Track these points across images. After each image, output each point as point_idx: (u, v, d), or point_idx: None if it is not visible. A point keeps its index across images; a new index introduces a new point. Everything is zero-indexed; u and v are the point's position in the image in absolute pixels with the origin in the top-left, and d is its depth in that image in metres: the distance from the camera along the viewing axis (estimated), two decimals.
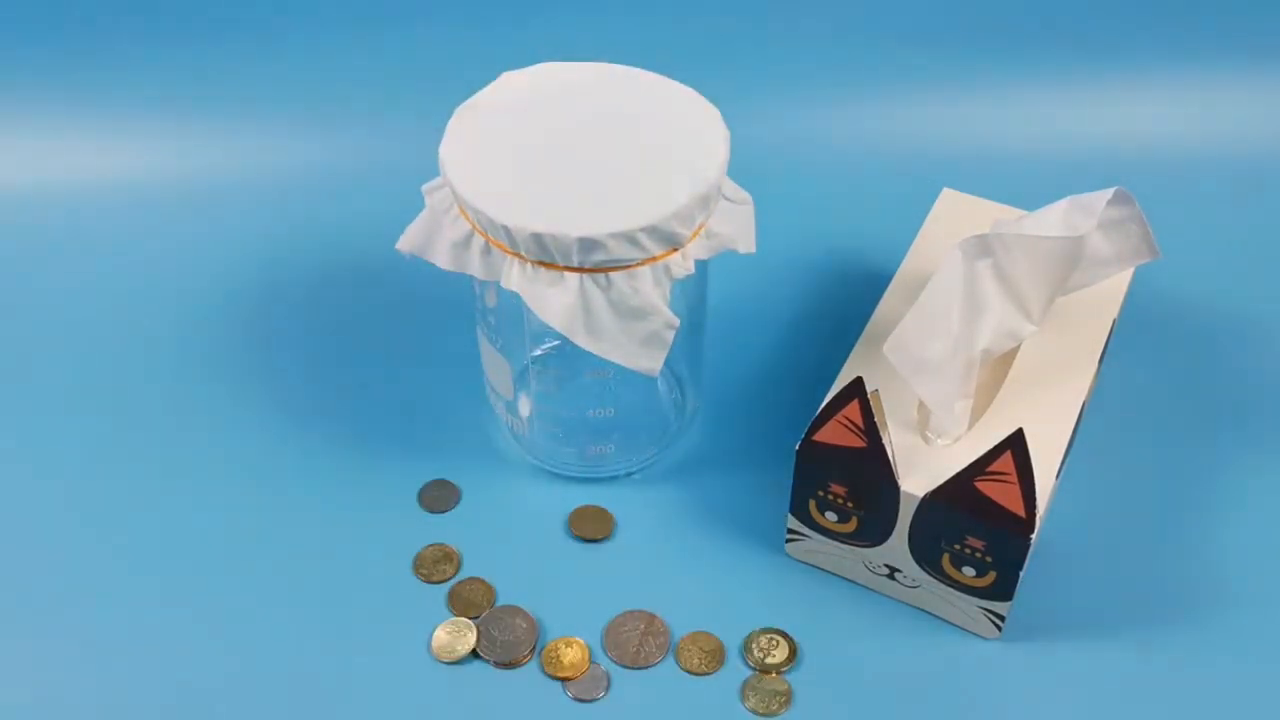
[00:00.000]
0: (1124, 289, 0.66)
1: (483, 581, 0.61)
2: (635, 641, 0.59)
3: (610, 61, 0.60)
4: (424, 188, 0.57)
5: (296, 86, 0.86)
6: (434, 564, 0.62)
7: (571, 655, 0.58)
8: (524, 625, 0.59)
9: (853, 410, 0.55)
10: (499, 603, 0.61)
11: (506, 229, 0.52)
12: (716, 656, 0.59)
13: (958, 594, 0.58)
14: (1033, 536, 0.53)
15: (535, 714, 0.57)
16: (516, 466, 0.67)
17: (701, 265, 0.57)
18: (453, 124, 0.57)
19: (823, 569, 0.62)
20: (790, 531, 0.61)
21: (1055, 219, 0.57)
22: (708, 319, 0.66)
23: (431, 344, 0.73)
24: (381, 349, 0.73)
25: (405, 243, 0.57)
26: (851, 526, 0.59)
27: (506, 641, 0.59)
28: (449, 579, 0.62)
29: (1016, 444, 0.54)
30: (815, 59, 0.87)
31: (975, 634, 0.59)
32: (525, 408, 0.66)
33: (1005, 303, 0.57)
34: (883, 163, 0.85)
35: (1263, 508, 0.64)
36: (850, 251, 0.79)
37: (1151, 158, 0.85)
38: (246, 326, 0.75)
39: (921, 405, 0.58)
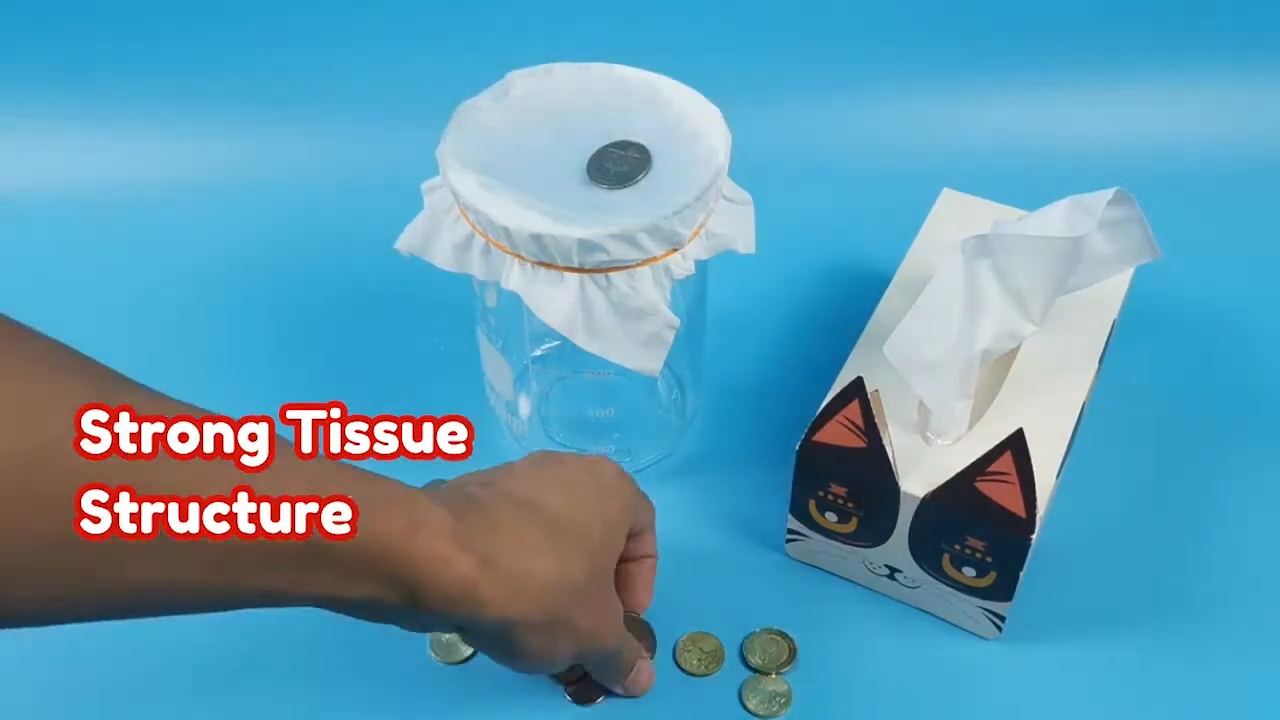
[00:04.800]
0: (1124, 289, 0.66)
1: None
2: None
3: (611, 61, 0.60)
4: (424, 187, 0.57)
5: (297, 86, 0.86)
6: None
7: None
8: None
9: (853, 410, 0.55)
10: None
11: (506, 229, 0.52)
12: (716, 657, 0.59)
13: (958, 594, 0.58)
14: (1033, 536, 0.53)
15: (535, 714, 0.57)
16: None
17: (701, 265, 0.57)
18: (453, 124, 0.57)
19: (823, 569, 0.62)
20: (790, 531, 0.61)
21: (1055, 219, 0.57)
22: (708, 319, 0.66)
23: (431, 344, 0.73)
24: (381, 349, 0.73)
25: (405, 243, 0.57)
26: (851, 527, 0.58)
27: None
28: None
29: (1016, 444, 0.54)
30: (815, 59, 0.87)
31: (975, 634, 0.59)
32: (525, 408, 0.66)
33: (1005, 303, 0.57)
34: (883, 163, 0.85)
35: (1262, 507, 0.64)
36: (850, 251, 0.79)
37: (1151, 158, 0.85)
38: (244, 326, 0.75)
39: (921, 405, 0.58)
